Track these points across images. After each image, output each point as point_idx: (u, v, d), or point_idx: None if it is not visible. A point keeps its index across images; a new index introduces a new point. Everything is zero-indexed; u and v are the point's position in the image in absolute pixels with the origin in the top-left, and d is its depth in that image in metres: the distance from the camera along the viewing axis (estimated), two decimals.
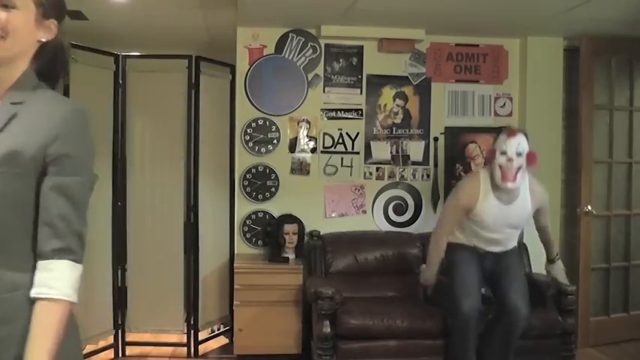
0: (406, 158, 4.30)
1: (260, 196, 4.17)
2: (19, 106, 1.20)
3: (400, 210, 4.29)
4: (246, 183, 4.17)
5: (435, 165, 4.32)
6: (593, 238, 4.16)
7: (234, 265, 3.86)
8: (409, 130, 4.30)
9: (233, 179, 4.20)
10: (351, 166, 4.25)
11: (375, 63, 4.25)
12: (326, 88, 4.23)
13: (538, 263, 4.06)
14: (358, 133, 4.25)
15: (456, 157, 4.32)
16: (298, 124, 4.21)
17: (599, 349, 4.07)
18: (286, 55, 4.19)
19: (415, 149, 4.29)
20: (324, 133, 4.23)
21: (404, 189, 4.30)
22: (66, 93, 3.54)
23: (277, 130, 4.17)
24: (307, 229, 4.08)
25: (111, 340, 3.90)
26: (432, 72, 4.30)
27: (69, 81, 3.53)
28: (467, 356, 3.22)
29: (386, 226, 4.26)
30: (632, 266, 4.35)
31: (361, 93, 4.25)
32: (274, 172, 4.18)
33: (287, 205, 4.14)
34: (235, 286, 3.78)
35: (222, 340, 4.25)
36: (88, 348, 3.80)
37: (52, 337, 1.14)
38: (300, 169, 4.21)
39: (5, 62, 1.21)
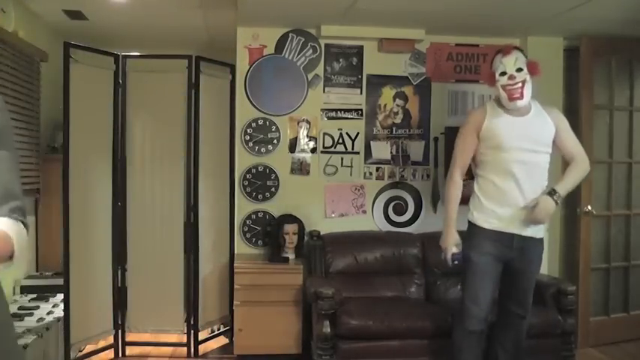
0: (406, 158, 4.30)
1: (260, 196, 4.18)
2: None
3: (400, 210, 4.29)
4: (246, 183, 4.17)
5: (435, 165, 4.31)
6: (593, 238, 4.15)
7: (234, 265, 3.86)
8: (409, 130, 4.30)
9: (233, 179, 4.20)
10: (351, 166, 4.25)
11: (375, 63, 4.25)
12: (326, 88, 4.23)
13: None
14: (358, 133, 4.25)
15: None
16: (298, 124, 4.21)
17: (599, 349, 4.07)
18: (286, 55, 4.19)
19: (415, 149, 4.29)
20: (324, 133, 4.23)
21: (404, 189, 4.30)
22: (66, 93, 3.55)
23: (277, 130, 4.18)
24: (307, 229, 4.08)
25: (111, 340, 3.90)
26: (432, 72, 4.30)
27: (69, 81, 3.54)
28: None
29: (386, 226, 4.26)
30: (632, 266, 4.35)
31: (361, 93, 4.25)
32: (274, 172, 4.18)
33: (287, 205, 4.14)
34: (235, 286, 3.78)
35: (222, 340, 4.25)
36: (88, 348, 3.81)
37: None
38: (300, 169, 4.21)
39: None
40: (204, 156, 4.00)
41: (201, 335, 4.07)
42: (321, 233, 4.08)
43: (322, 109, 4.23)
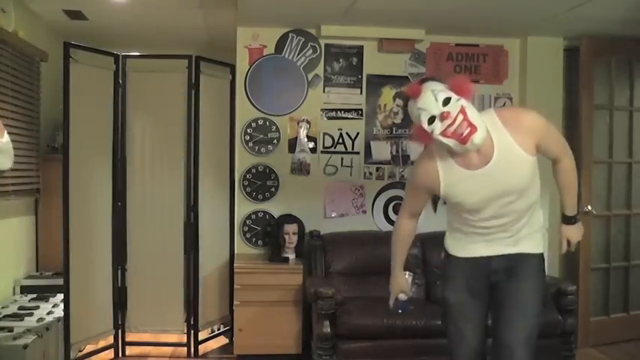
0: (406, 158, 4.30)
1: (260, 196, 4.18)
2: None
3: None
4: (246, 183, 4.17)
5: None
6: (593, 238, 4.15)
7: (234, 265, 3.86)
8: (409, 130, 4.30)
9: (233, 179, 4.20)
10: (351, 166, 4.25)
11: (375, 63, 4.25)
12: (326, 88, 4.23)
13: None
14: (358, 133, 4.25)
15: None
16: (298, 124, 4.21)
17: (599, 349, 4.07)
18: (286, 55, 4.19)
19: (415, 149, 4.29)
20: (324, 133, 4.23)
21: (404, 189, 4.30)
22: (66, 93, 3.55)
23: (277, 130, 4.18)
24: (307, 229, 4.08)
25: (111, 340, 3.90)
26: (432, 72, 4.30)
27: (69, 81, 3.54)
28: None
29: (386, 226, 4.26)
30: (632, 266, 4.35)
31: (361, 93, 4.26)
32: (274, 172, 4.18)
33: (287, 205, 4.14)
34: (235, 286, 3.78)
35: (222, 340, 4.25)
36: (88, 348, 3.81)
37: None
38: (300, 169, 4.22)
39: None
40: (204, 156, 3.99)
41: (201, 335, 4.06)
42: (321, 233, 4.08)
43: (322, 109, 4.23)
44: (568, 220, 2.42)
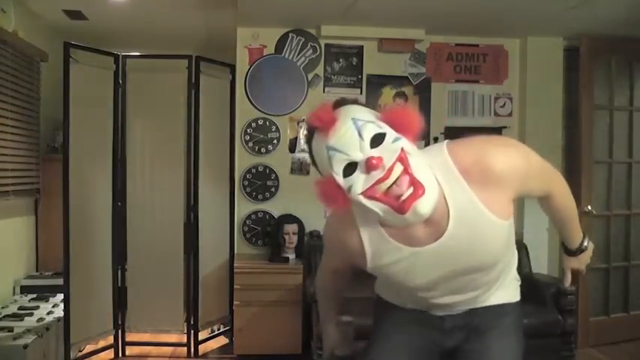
0: None
1: (260, 196, 4.18)
2: None
3: None
4: (246, 183, 4.17)
5: None
6: (593, 238, 4.12)
7: (234, 265, 3.86)
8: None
9: (233, 179, 4.20)
10: None
11: (375, 63, 4.25)
12: (326, 88, 4.23)
13: (538, 263, 4.08)
14: None
15: None
16: (298, 124, 4.21)
17: (599, 349, 4.07)
18: (286, 55, 4.19)
19: None
20: None
21: None
22: (66, 93, 3.55)
23: (277, 130, 4.18)
24: (307, 229, 4.08)
25: (111, 340, 3.90)
26: (432, 72, 4.30)
27: (69, 81, 3.54)
28: None
29: None
30: (632, 266, 4.35)
31: (361, 93, 4.25)
32: (274, 172, 4.18)
33: (287, 205, 4.14)
34: (235, 286, 3.78)
35: (222, 340, 4.25)
36: (88, 348, 3.81)
37: None
38: (300, 169, 4.21)
39: None
40: (204, 156, 3.99)
41: (201, 335, 4.06)
42: (321, 233, 4.08)
43: None
44: (572, 253, 1.89)
